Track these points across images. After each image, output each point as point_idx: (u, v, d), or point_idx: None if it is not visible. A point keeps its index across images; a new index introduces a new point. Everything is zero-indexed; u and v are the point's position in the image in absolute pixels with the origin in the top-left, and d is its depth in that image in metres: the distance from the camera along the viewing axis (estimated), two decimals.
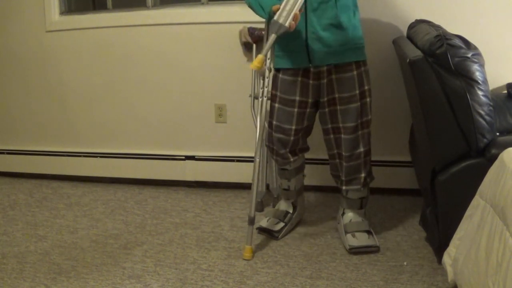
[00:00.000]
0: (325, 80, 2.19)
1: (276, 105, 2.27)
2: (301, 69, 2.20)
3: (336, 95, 2.19)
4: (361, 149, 2.24)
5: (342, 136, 2.23)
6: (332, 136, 2.27)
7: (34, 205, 2.97)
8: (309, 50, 2.13)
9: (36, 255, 2.35)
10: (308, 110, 2.26)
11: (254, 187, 2.27)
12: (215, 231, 2.53)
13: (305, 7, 2.08)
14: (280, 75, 2.25)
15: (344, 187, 2.32)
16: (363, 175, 2.28)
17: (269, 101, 2.32)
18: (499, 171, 1.50)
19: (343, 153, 2.24)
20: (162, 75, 3.06)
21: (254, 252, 2.28)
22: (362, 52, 2.19)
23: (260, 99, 2.25)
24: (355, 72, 2.17)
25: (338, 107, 2.20)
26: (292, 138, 2.30)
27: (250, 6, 2.19)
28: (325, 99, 2.22)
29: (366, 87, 2.21)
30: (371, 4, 2.65)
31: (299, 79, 2.21)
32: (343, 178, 2.30)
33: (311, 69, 2.19)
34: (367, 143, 2.25)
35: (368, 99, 2.22)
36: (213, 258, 2.26)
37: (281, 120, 2.28)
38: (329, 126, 2.26)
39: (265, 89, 2.26)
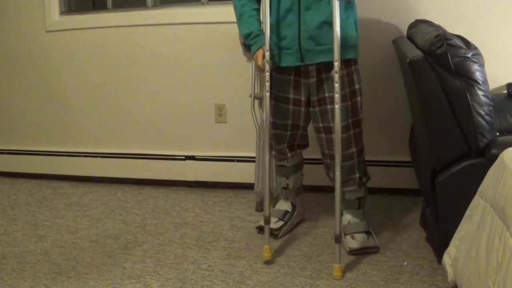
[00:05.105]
0: (314, 79, 2.19)
1: (272, 102, 2.27)
2: (293, 67, 2.20)
3: (326, 94, 2.18)
4: (354, 149, 2.23)
5: (334, 136, 2.22)
6: (323, 135, 2.26)
7: (34, 205, 2.97)
8: (302, 49, 2.13)
9: (36, 255, 2.35)
10: (303, 109, 2.26)
11: (266, 184, 2.23)
12: (215, 231, 2.53)
13: (298, 6, 2.09)
14: (274, 73, 2.24)
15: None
16: (357, 175, 2.27)
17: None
18: (499, 171, 1.50)
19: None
20: (162, 75, 3.06)
21: (253, 252, 2.28)
22: (354, 50, 2.17)
23: (264, 93, 2.22)
24: (344, 71, 2.13)
25: (328, 106, 2.19)
26: (289, 132, 2.30)
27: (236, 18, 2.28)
28: (315, 98, 2.22)
29: (356, 87, 2.20)
30: (371, 4, 2.65)
31: (292, 77, 2.22)
32: None
33: (302, 68, 2.19)
34: (359, 143, 2.25)
35: (358, 99, 2.21)
36: (213, 258, 2.26)
37: (277, 116, 2.28)
38: (320, 125, 2.25)
39: (267, 84, 2.22)
